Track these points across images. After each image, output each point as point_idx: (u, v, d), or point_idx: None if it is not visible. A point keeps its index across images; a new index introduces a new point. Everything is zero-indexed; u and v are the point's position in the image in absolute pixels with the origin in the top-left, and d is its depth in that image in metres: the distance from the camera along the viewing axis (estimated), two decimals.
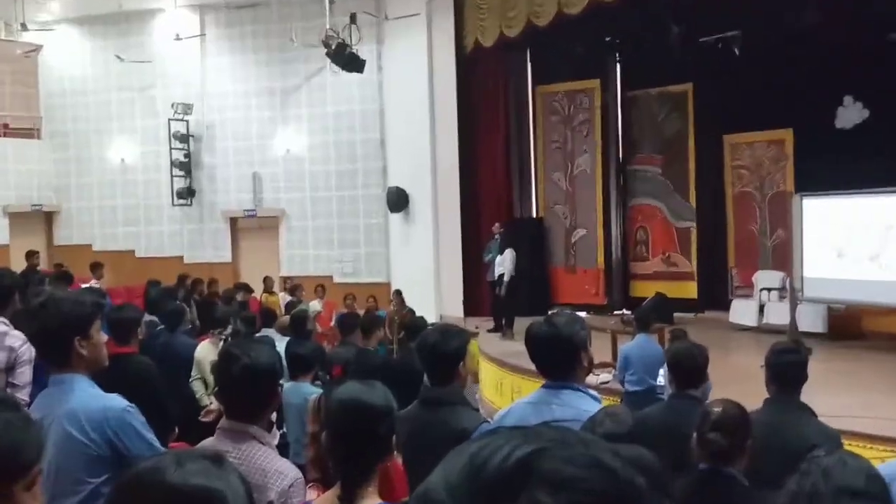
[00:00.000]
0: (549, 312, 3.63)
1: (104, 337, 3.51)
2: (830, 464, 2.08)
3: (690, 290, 17.05)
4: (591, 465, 0.87)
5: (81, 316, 3.34)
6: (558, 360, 3.43)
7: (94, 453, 3.20)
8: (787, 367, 4.48)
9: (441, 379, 3.93)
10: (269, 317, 10.55)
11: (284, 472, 2.96)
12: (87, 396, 3.29)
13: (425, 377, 4.08)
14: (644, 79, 17.43)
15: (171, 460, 1.53)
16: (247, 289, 14.67)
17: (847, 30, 13.54)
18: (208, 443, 3.10)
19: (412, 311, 13.69)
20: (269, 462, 2.99)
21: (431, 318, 12.61)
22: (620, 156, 17.97)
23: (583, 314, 15.51)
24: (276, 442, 3.86)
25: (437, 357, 3.88)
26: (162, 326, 8.91)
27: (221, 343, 7.69)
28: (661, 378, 7.70)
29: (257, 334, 9.16)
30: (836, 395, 8.52)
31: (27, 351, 5.05)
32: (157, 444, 3.41)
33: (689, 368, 4.88)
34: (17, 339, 5.09)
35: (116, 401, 3.32)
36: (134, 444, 3.25)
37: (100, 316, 3.51)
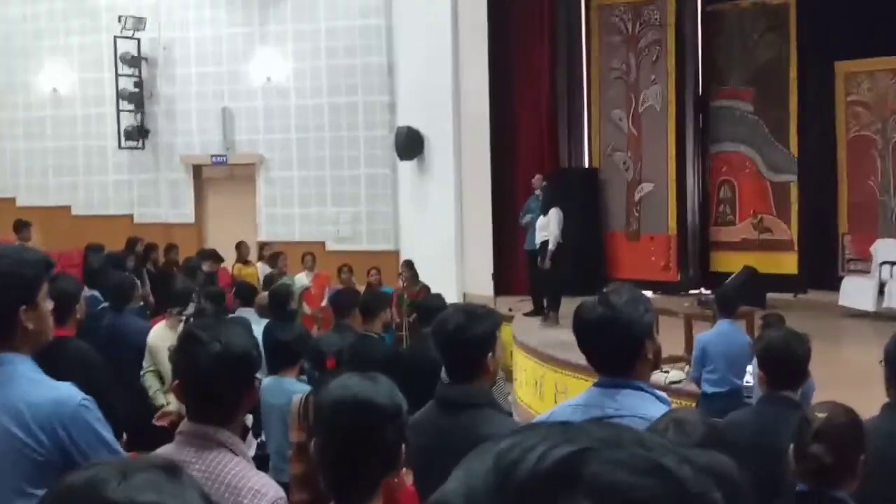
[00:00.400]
0: (605, 289, 3.62)
1: (51, 304, 3.52)
2: None
3: (789, 263, 16.98)
4: (651, 471, 0.88)
5: (28, 278, 3.34)
6: (616, 351, 3.43)
7: (41, 458, 3.19)
8: None
9: (463, 374, 3.94)
10: (246, 293, 10.58)
11: (262, 490, 2.96)
12: (31, 384, 3.28)
13: (443, 371, 4.09)
14: None
15: (113, 471, 1.53)
16: (214, 257, 14.75)
17: None
18: (165, 451, 3.12)
19: (427, 288, 13.72)
20: (242, 477, 2.99)
21: (452, 298, 12.61)
22: (700, 88, 17.87)
23: (648, 294, 15.55)
24: (252, 453, 3.90)
25: (459, 345, 3.89)
26: (106, 304, 8.99)
27: (182, 326, 7.74)
28: (749, 376, 7.71)
29: (230, 315, 9.22)
30: None
31: None
32: (120, 450, 3.43)
33: (786, 363, 4.87)
34: None
35: (69, 391, 3.30)
36: (91, 449, 3.24)
37: (47, 278, 3.52)
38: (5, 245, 3.54)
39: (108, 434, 3.33)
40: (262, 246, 17.72)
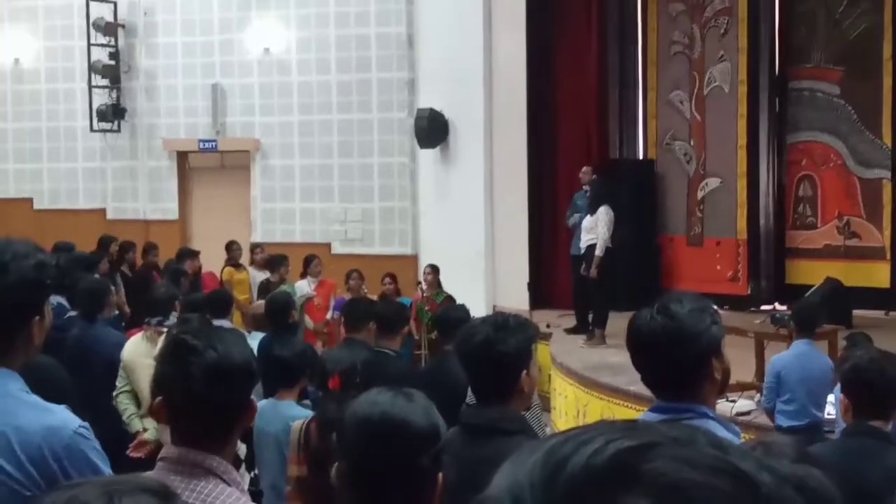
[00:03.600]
0: (665, 297, 3.61)
1: (50, 314, 3.51)
2: None
3: (880, 275, 16.89)
4: (723, 472, 0.89)
5: (46, 284, 3.36)
6: (677, 369, 3.43)
7: (28, 493, 3.09)
8: None
9: (492, 395, 3.95)
10: (220, 302, 10.44)
11: None
12: (20, 406, 3.23)
13: (469, 393, 4.09)
14: None
15: (98, 492, 1.54)
16: (190, 255, 14.89)
17: None
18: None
19: (451, 299, 13.73)
20: None
21: (480, 312, 12.55)
22: (777, 67, 17.82)
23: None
24: (246, 483, 3.90)
25: (487, 360, 3.90)
26: (74, 313, 9.03)
27: (162, 339, 7.77)
28: (832, 407, 7.70)
29: None
30: None
31: None
32: None
33: (876, 388, 4.84)
34: None
35: (64, 416, 3.26)
36: None
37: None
38: (18, 241, 3.45)
39: (106, 468, 3.29)
40: (256, 248, 17.72)
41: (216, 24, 19.79)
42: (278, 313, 8.88)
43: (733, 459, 0.90)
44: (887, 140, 16.97)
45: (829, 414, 7.86)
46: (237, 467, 3.48)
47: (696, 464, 0.89)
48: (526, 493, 0.91)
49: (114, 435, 7.92)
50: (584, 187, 15.24)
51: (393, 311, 8.53)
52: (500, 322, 4.03)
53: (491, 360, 3.90)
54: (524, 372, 3.90)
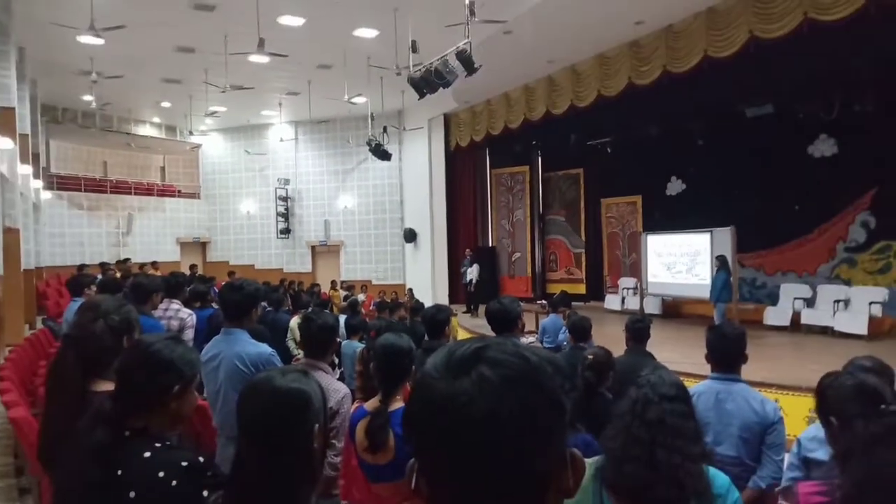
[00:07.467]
0: (499, 298, 3.63)
1: (260, 309, 3.45)
2: (654, 380, 2.12)
3: (582, 288, 17.04)
4: (517, 355, 0.91)
5: (260, 295, 3.33)
6: (504, 324, 3.44)
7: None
8: (638, 330, 4.47)
9: (435, 335, 3.93)
10: (323, 304, 10.11)
11: (340, 388, 2.92)
12: (248, 344, 3.17)
13: (426, 336, 4.09)
14: (555, 165, 17.46)
15: (278, 372, 1.55)
16: (314, 286, 14.74)
17: (670, 136, 13.74)
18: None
19: (418, 300, 13.63)
20: (330, 382, 2.94)
21: (429, 304, 12.56)
22: (541, 210, 17.98)
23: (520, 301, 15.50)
24: (336, 376, 3.81)
25: (433, 322, 3.90)
26: (270, 308, 8.88)
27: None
28: (562, 334, 7.68)
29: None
30: (666, 350, 8.52)
31: (190, 321, 5.04)
32: None
33: (581, 330, 4.90)
34: (185, 313, 5.08)
35: (265, 348, 3.21)
36: None
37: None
38: (249, 280, 3.49)
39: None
40: (343, 282, 17.48)
41: (326, 196, 19.57)
42: (352, 307, 8.73)
43: (522, 350, 0.91)
44: (583, 237, 17.15)
45: (561, 340, 7.71)
46: (333, 368, 3.41)
47: (506, 351, 0.89)
48: (437, 365, 0.91)
49: (286, 358, 7.74)
50: (467, 257, 15.26)
51: (394, 305, 8.48)
52: (438, 307, 4.00)
53: (435, 322, 3.87)
54: (448, 326, 3.87)
